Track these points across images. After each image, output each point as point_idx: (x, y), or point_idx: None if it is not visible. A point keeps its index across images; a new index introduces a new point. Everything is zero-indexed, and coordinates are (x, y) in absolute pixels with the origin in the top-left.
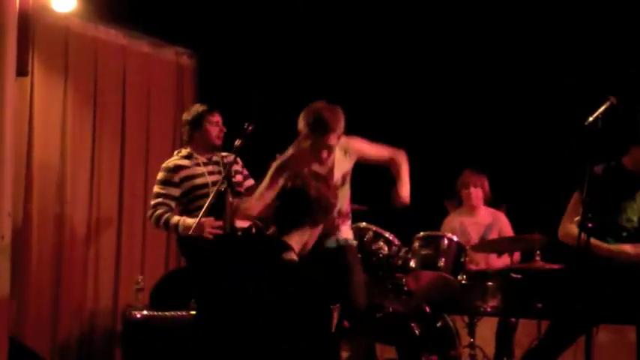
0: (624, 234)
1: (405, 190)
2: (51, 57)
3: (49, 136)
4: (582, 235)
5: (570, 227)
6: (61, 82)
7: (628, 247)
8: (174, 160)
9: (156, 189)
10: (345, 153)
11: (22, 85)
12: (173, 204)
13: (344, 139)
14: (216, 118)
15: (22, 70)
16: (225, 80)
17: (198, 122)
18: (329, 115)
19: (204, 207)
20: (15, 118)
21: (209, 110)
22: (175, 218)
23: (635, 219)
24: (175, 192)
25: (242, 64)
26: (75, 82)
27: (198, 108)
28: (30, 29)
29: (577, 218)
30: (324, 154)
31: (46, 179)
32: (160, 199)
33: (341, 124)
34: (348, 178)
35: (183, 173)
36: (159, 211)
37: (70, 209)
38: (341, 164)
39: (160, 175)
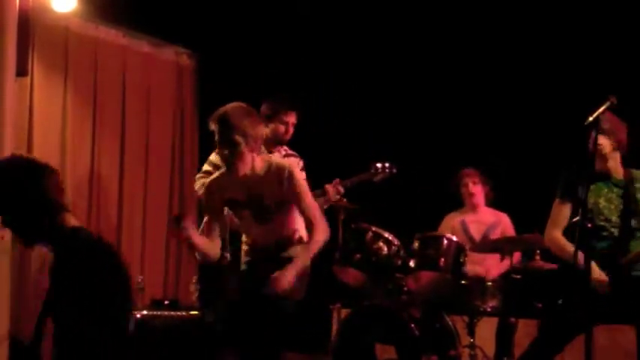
0: (604, 234)
1: (287, 275)
2: (51, 57)
3: (49, 135)
4: (578, 241)
5: (556, 234)
6: (61, 82)
7: (596, 273)
8: None
9: (211, 157)
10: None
11: (22, 85)
12: None
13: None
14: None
15: (22, 70)
16: (225, 80)
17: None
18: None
19: None
20: (15, 118)
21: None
22: None
23: (614, 219)
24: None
25: (242, 64)
26: (75, 82)
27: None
28: (30, 29)
29: (576, 218)
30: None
31: None
32: (210, 168)
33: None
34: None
35: None
36: (203, 180)
37: (70, 209)
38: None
39: (212, 157)
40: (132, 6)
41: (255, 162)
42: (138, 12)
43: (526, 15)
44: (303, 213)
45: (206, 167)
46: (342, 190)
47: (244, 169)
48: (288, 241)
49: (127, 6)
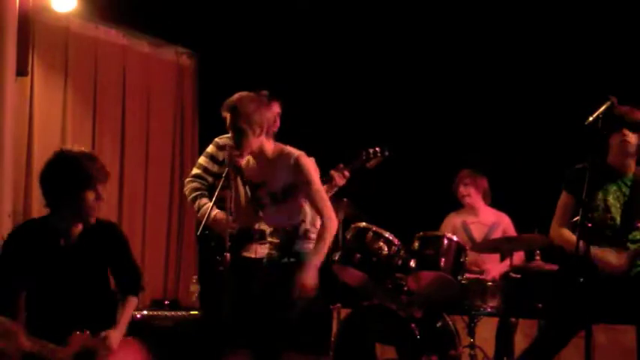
0: (608, 232)
1: (312, 278)
2: (51, 57)
3: (49, 135)
4: (579, 236)
5: (561, 230)
6: (61, 82)
7: (613, 258)
8: (226, 137)
9: (200, 160)
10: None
11: (22, 85)
12: (211, 179)
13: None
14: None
15: (22, 70)
16: (225, 80)
17: None
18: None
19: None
20: (15, 118)
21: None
22: (203, 200)
23: (617, 217)
24: (216, 169)
25: (242, 65)
26: (75, 82)
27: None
28: (30, 29)
29: (576, 218)
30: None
31: None
32: (199, 171)
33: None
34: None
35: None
36: (193, 185)
37: None
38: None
39: (209, 148)
40: (132, 6)
41: (264, 146)
42: (138, 12)
43: (526, 13)
44: (311, 203)
45: (195, 171)
46: (348, 174)
47: (252, 152)
48: (295, 230)
49: (127, 6)
